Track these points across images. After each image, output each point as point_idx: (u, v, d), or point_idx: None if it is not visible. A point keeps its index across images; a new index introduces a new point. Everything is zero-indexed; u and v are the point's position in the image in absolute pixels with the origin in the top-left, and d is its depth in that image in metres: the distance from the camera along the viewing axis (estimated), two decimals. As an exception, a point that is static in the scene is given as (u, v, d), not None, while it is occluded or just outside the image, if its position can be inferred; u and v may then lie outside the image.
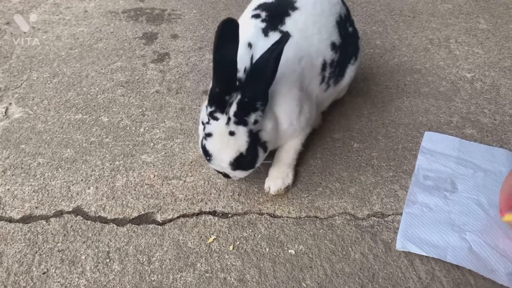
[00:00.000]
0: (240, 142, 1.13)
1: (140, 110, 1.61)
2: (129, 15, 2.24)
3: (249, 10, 1.35)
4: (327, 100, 1.44)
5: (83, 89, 1.73)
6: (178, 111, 1.61)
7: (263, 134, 1.17)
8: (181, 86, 1.74)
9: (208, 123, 1.14)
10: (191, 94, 1.69)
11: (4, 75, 1.81)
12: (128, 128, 1.54)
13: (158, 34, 2.08)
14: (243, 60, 1.15)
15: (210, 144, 1.15)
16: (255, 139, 1.15)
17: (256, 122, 1.13)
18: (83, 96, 1.69)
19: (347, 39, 1.38)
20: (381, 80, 1.74)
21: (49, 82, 1.78)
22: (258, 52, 1.14)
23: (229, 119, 1.11)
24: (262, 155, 1.20)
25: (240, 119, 1.11)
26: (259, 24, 1.26)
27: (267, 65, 1.06)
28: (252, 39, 1.19)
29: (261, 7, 1.32)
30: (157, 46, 1.98)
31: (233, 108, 1.11)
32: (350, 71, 1.43)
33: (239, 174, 1.20)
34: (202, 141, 1.17)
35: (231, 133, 1.12)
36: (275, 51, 1.05)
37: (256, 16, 1.29)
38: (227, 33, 1.06)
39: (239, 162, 1.15)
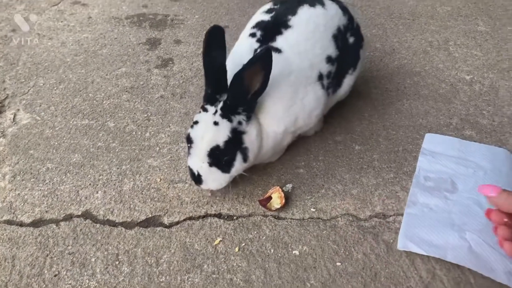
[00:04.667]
0: (221, 133, 1.20)
1: (145, 115, 1.65)
2: (132, 21, 2.28)
3: (248, 28, 1.42)
4: (327, 106, 1.47)
5: (89, 95, 1.77)
6: (182, 115, 1.64)
7: (246, 138, 1.23)
8: (185, 91, 1.77)
9: (198, 113, 1.25)
10: (195, 98, 1.72)
11: (12, 82, 1.84)
12: (134, 133, 1.57)
13: (162, 39, 2.11)
14: None
15: (194, 131, 1.23)
16: (237, 140, 1.22)
17: (240, 123, 1.22)
18: (89, 101, 1.73)
19: (345, 51, 1.43)
20: (381, 83, 1.77)
21: (55, 88, 1.81)
22: None
23: (216, 111, 1.22)
24: (240, 162, 1.24)
25: (226, 114, 1.21)
26: (254, 45, 1.34)
27: (243, 76, 1.15)
28: (245, 59, 1.21)
29: (258, 25, 1.40)
30: (160, 52, 2.02)
31: (221, 104, 1.21)
32: (348, 81, 1.47)
33: (213, 178, 1.24)
34: (188, 129, 1.25)
35: (215, 123, 1.20)
36: (251, 63, 1.14)
37: (253, 35, 1.38)
38: (214, 39, 1.20)
39: (215, 156, 1.21)
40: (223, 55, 1.23)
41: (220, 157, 1.22)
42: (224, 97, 1.23)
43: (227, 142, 1.21)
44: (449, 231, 1.17)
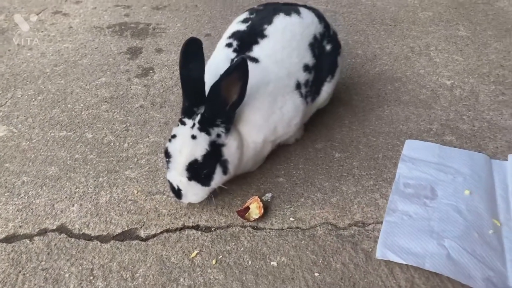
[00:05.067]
0: (199, 147, 1.18)
1: (124, 126, 1.63)
2: (114, 30, 2.26)
3: (224, 37, 1.42)
4: (307, 114, 1.47)
5: (67, 106, 1.74)
6: (162, 125, 1.62)
7: (226, 151, 1.22)
8: (165, 100, 1.75)
9: (176, 127, 1.23)
10: (175, 107, 1.71)
11: (-11, 94, 1.82)
12: (112, 144, 1.55)
13: (143, 48, 2.10)
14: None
15: (171, 145, 1.21)
16: (216, 153, 1.20)
17: (219, 136, 1.20)
18: (68, 112, 1.71)
19: (322, 59, 1.42)
20: (362, 89, 1.77)
21: (33, 99, 1.79)
22: None
23: (194, 124, 1.20)
24: (219, 175, 1.22)
25: (204, 127, 1.19)
26: (230, 55, 1.33)
27: (220, 87, 1.14)
28: (222, 70, 1.20)
29: (234, 35, 1.40)
30: (141, 61, 2.00)
31: (198, 117, 1.20)
32: (327, 88, 1.47)
33: (192, 192, 1.22)
34: (166, 143, 1.24)
35: (193, 137, 1.19)
36: (227, 73, 1.13)
37: (229, 45, 1.37)
38: (191, 51, 1.18)
39: (194, 170, 1.19)
40: (201, 67, 1.21)
41: (199, 171, 1.20)
42: (202, 109, 1.21)
43: (205, 156, 1.19)
44: (427, 238, 1.17)
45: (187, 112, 1.23)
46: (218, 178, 1.23)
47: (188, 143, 1.19)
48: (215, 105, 1.18)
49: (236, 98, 1.18)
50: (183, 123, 1.22)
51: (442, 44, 2.04)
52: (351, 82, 1.81)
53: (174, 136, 1.22)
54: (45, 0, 2.58)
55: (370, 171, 1.41)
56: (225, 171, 1.24)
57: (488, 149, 1.47)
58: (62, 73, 1.94)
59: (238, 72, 1.14)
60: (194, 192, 1.23)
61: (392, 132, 1.55)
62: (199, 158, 1.19)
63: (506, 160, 1.41)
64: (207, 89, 1.20)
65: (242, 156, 1.29)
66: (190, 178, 1.20)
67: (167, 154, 1.22)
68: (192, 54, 1.20)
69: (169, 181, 1.24)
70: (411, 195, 1.30)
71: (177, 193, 1.23)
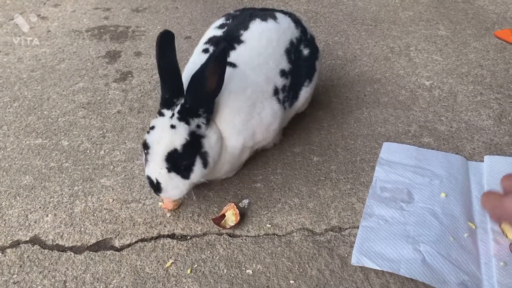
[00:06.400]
0: (179, 136, 1.17)
1: (101, 132, 1.61)
2: (92, 34, 2.23)
3: (201, 43, 1.41)
4: (285, 119, 1.46)
5: (44, 113, 1.72)
6: (139, 131, 1.61)
7: (206, 142, 1.21)
8: (143, 105, 1.73)
9: (155, 118, 1.22)
10: (153, 113, 1.69)
11: (-37, 101, 1.78)
12: (88, 151, 1.53)
13: (122, 52, 2.07)
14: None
15: (150, 136, 1.20)
16: (196, 144, 1.19)
17: (199, 127, 1.19)
18: (44, 119, 1.68)
19: (299, 64, 1.42)
20: (342, 91, 1.77)
21: (9, 106, 1.76)
22: None
23: (173, 114, 1.19)
24: (199, 167, 1.20)
25: (183, 117, 1.18)
26: None
27: (204, 74, 1.14)
28: None
29: (210, 41, 1.39)
30: (120, 65, 1.98)
31: (178, 108, 1.19)
32: (305, 93, 1.46)
33: (172, 185, 1.19)
34: (145, 135, 1.22)
35: (172, 126, 1.17)
36: (209, 61, 1.13)
37: (206, 50, 1.36)
38: (165, 43, 1.18)
39: (174, 161, 1.16)
40: (175, 60, 1.21)
41: (178, 162, 1.17)
42: (181, 101, 1.20)
43: (185, 146, 1.17)
44: (403, 243, 1.16)
45: (166, 103, 1.21)
46: (198, 171, 1.20)
47: (167, 133, 1.17)
48: (197, 93, 1.17)
49: (215, 86, 1.18)
50: (162, 114, 1.21)
51: (422, 44, 2.04)
52: (331, 84, 1.81)
53: (152, 128, 1.20)
54: (23, 4, 2.54)
55: (348, 175, 1.40)
56: (205, 164, 1.21)
57: (466, 150, 1.47)
58: (39, 78, 1.91)
59: (219, 59, 1.14)
60: (174, 185, 1.19)
61: (370, 135, 1.55)
62: (179, 147, 1.16)
63: (483, 161, 1.41)
64: (185, 84, 1.19)
65: (221, 154, 1.27)
66: (169, 170, 1.17)
67: (146, 146, 1.20)
68: (167, 46, 1.19)
69: (147, 176, 1.20)
70: (388, 199, 1.30)
71: (156, 186, 1.19)
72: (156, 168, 1.18)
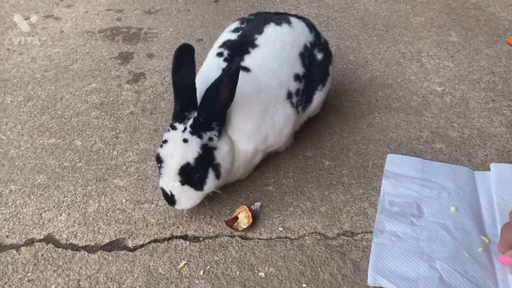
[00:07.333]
0: (191, 150, 1.18)
1: (114, 133, 1.62)
2: (105, 35, 2.25)
3: (215, 47, 1.42)
4: (298, 123, 1.47)
5: (57, 112, 1.73)
6: (152, 132, 1.62)
7: (218, 154, 1.22)
8: (156, 107, 1.75)
9: (167, 132, 1.23)
10: (166, 114, 1.70)
11: (-22, 100, 1.80)
12: (101, 151, 1.54)
13: (134, 53, 2.09)
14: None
15: (163, 150, 1.21)
16: (208, 156, 1.20)
17: (211, 139, 1.20)
18: (57, 119, 1.70)
19: (313, 68, 1.43)
20: (353, 96, 1.77)
21: (23, 105, 1.78)
22: None
23: (185, 128, 1.20)
24: (212, 179, 1.22)
25: (195, 131, 1.19)
26: (221, 64, 1.34)
27: (218, 90, 1.15)
28: (213, 79, 1.20)
29: (225, 45, 1.40)
30: (132, 66, 1.99)
31: (190, 121, 1.20)
32: (318, 97, 1.47)
33: (186, 197, 1.21)
34: (158, 149, 1.23)
35: (185, 140, 1.19)
36: (224, 77, 1.15)
37: (220, 54, 1.37)
38: (184, 57, 1.19)
39: (186, 174, 1.18)
40: (193, 73, 1.22)
41: (191, 175, 1.20)
42: (194, 114, 1.21)
43: (197, 159, 1.19)
44: (418, 261, 1.14)
45: (178, 117, 1.23)
46: (211, 183, 1.22)
47: (179, 147, 1.19)
48: (210, 108, 1.19)
49: (228, 99, 1.20)
50: (174, 128, 1.22)
51: (434, 50, 2.04)
52: (342, 88, 1.81)
53: (165, 141, 1.22)
54: (37, 4, 2.57)
55: (360, 180, 1.40)
56: (217, 175, 1.23)
57: (478, 157, 1.47)
58: (53, 78, 1.93)
59: (233, 76, 1.16)
60: (187, 197, 1.22)
61: (382, 140, 1.55)
62: (191, 161, 1.18)
63: (489, 170, 1.40)
64: (199, 96, 1.21)
65: (234, 161, 1.28)
66: (182, 183, 1.20)
67: (159, 160, 1.22)
68: (184, 60, 1.20)
69: (161, 188, 1.23)
70: (398, 213, 1.28)
71: (170, 199, 1.22)
72: (170, 181, 1.20)
